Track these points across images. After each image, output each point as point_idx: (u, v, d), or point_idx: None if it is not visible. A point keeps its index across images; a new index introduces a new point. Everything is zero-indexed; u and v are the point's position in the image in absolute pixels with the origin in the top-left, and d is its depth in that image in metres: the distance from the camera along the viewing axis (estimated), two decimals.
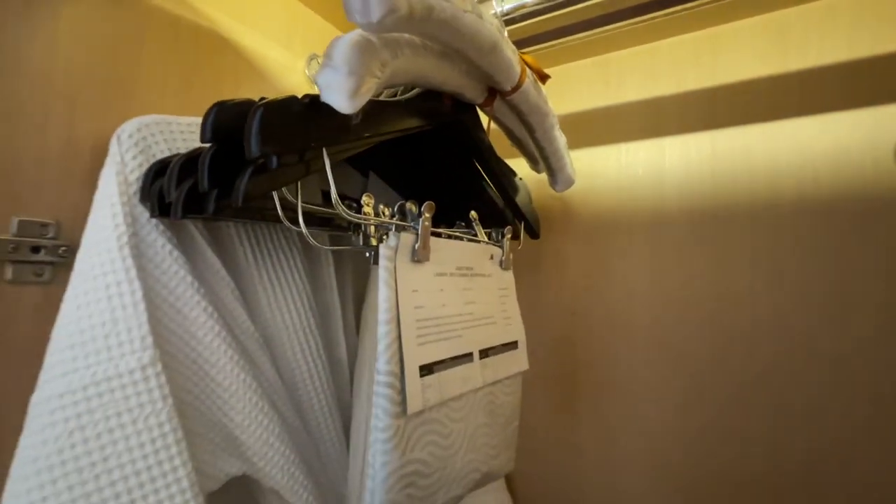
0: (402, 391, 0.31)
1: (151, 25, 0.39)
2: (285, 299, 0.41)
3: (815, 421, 0.49)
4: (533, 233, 0.56)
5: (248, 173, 0.26)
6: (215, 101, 0.28)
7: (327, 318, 0.45)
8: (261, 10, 0.49)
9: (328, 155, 0.29)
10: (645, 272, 0.60)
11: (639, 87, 0.61)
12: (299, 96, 0.27)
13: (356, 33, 0.26)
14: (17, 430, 0.27)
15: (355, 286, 0.49)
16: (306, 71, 0.53)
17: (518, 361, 0.46)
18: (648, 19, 0.52)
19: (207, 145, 0.29)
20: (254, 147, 0.24)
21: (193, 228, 0.35)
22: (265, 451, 0.35)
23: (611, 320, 0.62)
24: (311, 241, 0.31)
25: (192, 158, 0.30)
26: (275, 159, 0.26)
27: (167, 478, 0.29)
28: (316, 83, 0.25)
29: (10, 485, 0.26)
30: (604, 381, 0.62)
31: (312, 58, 0.53)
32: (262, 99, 0.26)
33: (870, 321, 0.47)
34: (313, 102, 0.26)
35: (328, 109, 0.26)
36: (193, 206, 0.29)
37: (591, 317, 0.63)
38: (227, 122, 0.27)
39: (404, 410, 0.31)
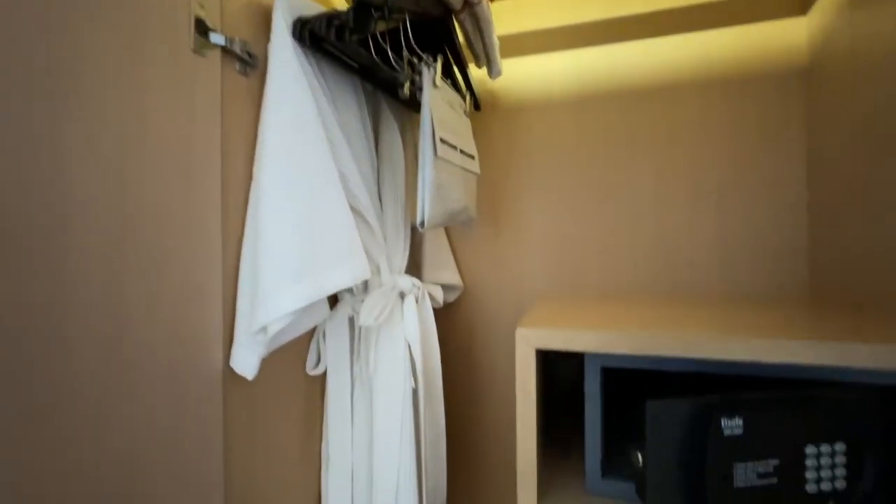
0: (434, 145, 0.65)
1: None
2: (350, 113, 0.71)
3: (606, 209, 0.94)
4: (476, 105, 0.92)
5: (374, 18, 0.57)
6: None
7: (367, 131, 0.76)
8: None
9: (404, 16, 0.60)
10: (538, 139, 0.99)
11: (537, 22, 0.99)
12: None
13: None
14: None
15: (374, 120, 0.81)
16: None
17: (476, 166, 0.83)
18: None
19: (344, 9, 0.58)
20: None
21: (314, 61, 0.63)
22: (356, 184, 0.67)
23: (519, 170, 1.01)
24: (394, 65, 0.62)
25: (331, 16, 0.59)
26: (387, 10, 0.57)
27: (330, 175, 0.59)
28: None
29: (262, 191, 0.55)
30: (517, 210, 1.01)
31: None
32: None
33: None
34: None
35: None
36: (335, 39, 0.58)
37: (508, 169, 1.02)
38: None
39: (436, 153, 0.65)
